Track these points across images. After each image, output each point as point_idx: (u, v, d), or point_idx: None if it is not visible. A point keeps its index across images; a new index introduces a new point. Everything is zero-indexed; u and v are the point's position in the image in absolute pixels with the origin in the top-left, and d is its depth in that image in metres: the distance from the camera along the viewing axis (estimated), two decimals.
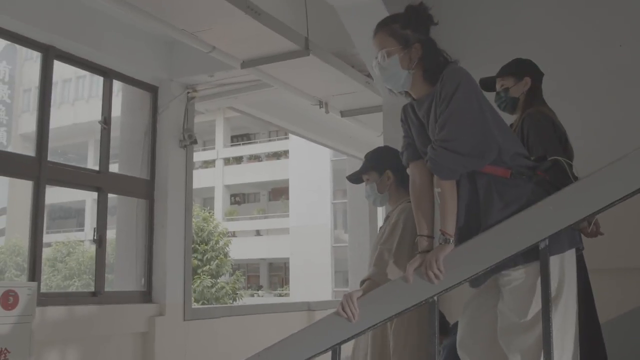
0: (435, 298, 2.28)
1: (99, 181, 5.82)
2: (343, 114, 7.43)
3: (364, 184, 3.26)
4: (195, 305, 8.06)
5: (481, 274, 2.27)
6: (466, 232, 2.37)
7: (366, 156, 3.24)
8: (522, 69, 3.32)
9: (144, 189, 6.22)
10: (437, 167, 2.36)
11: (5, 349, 4.10)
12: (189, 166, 6.51)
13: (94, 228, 5.70)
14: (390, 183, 3.12)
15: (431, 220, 2.48)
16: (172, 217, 6.19)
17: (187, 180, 6.45)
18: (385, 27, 2.53)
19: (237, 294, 22.87)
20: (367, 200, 3.27)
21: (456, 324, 2.72)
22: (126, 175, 6.26)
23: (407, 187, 2.90)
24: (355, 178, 3.25)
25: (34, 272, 5.09)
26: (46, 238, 5.71)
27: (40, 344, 4.65)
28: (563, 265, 2.33)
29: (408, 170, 2.65)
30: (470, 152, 2.33)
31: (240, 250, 28.24)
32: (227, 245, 23.27)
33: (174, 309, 6.04)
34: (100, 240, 5.68)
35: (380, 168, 3.13)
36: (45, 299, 4.98)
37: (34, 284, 4.54)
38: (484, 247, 2.26)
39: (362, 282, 2.80)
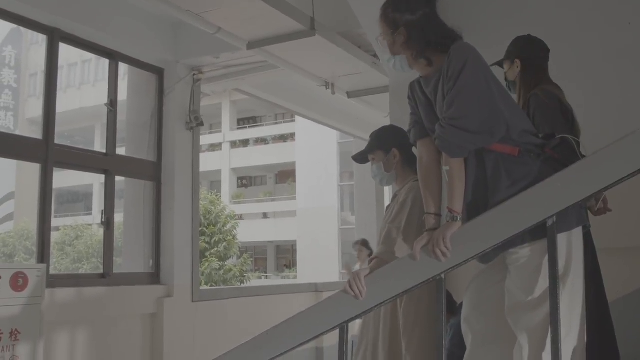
0: (443, 276, 2.28)
1: (106, 164, 5.83)
2: (349, 94, 7.41)
3: (369, 164, 3.24)
4: (203, 287, 8.09)
5: (490, 251, 2.27)
6: (474, 209, 2.36)
7: (371, 135, 3.22)
8: (512, 51, 3.29)
9: (151, 172, 6.24)
10: (446, 144, 2.35)
11: (16, 329, 4.15)
12: (196, 148, 6.51)
13: (102, 210, 5.72)
14: (396, 162, 3.10)
15: (438, 198, 2.48)
16: (179, 199, 6.21)
17: (194, 162, 6.46)
18: (382, 10, 2.53)
19: (244, 276, 22.98)
20: (374, 180, 3.26)
21: (462, 304, 2.72)
22: (133, 157, 6.27)
23: (414, 165, 2.90)
24: (360, 158, 3.23)
25: (43, 255, 5.13)
26: (54, 222, 5.74)
27: (50, 325, 4.69)
28: (570, 243, 2.32)
29: (414, 149, 2.64)
30: (478, 130, 2.32)
31: (248, 233, 28.34)
32: (235, 228, 23.34)
33: (182, 290, 6.08)
34: (108, 222, 5.71)
35: (386, 147, 3.11)
36: (55, 281, 5.02)
37: (43, 265, 4.57)
38: (491, 224, 2.26)
39: (370, 260, 2.80)
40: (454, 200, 2.33)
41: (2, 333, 4.06)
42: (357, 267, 7.38)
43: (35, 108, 25.96)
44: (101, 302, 5.39)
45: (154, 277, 6.08)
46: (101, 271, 5.71)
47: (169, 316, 5.86)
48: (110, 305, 5.46)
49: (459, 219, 2.31)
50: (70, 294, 5.16)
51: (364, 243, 7.64)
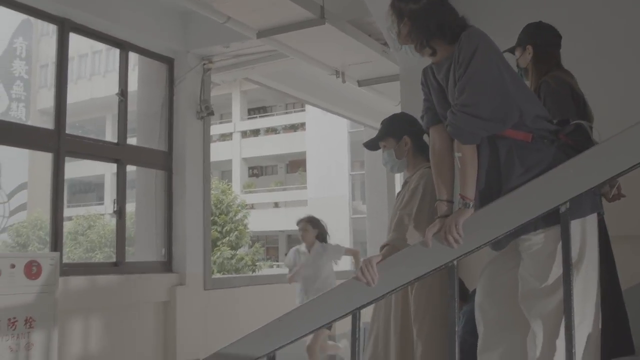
0: (455, 262, 2.27)
1: (117, 153, 5.86)
2: (360, 83, 7.40)
3: (380, 151, 3.24)
4: (215, 276, 8.12)
5: (502, 237, 2.26)
6: (486, 196, 2.35)
7: (383, 123, 3.21)
8: (523, 38, 3.27)
9: (162, 161, 6.26)
10: (458, 131, 2.34)
11: (31, 317, 4.18)
12: (206, 137, 6.53)
13: (114, 199, 5.76)
14: (407, 149, 3.10)
15: (451, 185, 2.47)
16: (190, 188, 6.23)
17: (205, 150, 6.47)
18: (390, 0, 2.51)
19: (256, 265, 23.08)
20: (385, 167, 3.25)
21: (475, 291, 2.72)
22: (144, 147, 6.29)
23: (425, 153, 2.89)
24: (372, 145, 3.23)
25: (56, 244, 5.17)
26: (67, 212, 5.79)
27: (64, 313, 4.73)
28: (585, 230, 2.31)
29: (426, 136, 2.62)
30: (490, 116, 2.30)
31: (259, 222, 28.41)
32: (246, 217, 23.41)
33: (194, 278, 6.11)
34: (120, 211, 5.74)
35: (398, 134, 3.11)
36: (68, 269, 5.06)
37: (57, 254, 4.60)
38: (504, 210, 2.24)
39: (382, 247, 2.80)
40: (466, 187, 2.32)
41: (17, 320, 4.10)
42: (302, 248, 6.28)
43: (46, 99, 26.08)
44: (114, 290, 5.43)
45: (166, 265, 6.11)
46: (114, 260, 5.75)
47: (182, 304, 5.90)
48: (123, 293, 5.50)
49: (471, 205, 2.30)
50: (84, 282, 5.20)
51: (310, 220, 6.33)
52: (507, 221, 2.23)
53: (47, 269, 4.34)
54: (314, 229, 6.23)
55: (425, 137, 3.01)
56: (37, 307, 4.25)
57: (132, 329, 5.59)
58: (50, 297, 4.35)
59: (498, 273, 2.49)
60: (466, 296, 3.44)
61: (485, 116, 2.30)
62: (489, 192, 2.36)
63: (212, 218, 7.76)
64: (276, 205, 33.56)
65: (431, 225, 2.34)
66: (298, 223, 6.32)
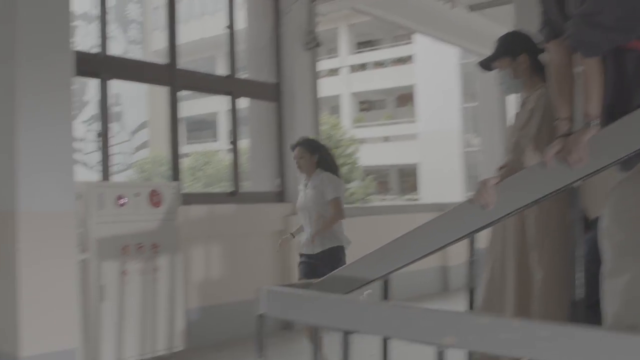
0: (577, 184, 2.15)
1: (229, 85, 5.99)
2: (472, 8, 7.09)
3: (493, 80, 3.09)
4: None
5: (631, 157, 2.10)
6: (612, 113, 2.19)
7: (498, 41, 3.05)
8: None
9: (272, 93, 6.34)
10: (579, 43, 2.18)
11: (155, 243, 4.44)
12: (314, 68, 6.52)
13: (229, 130, 5.94)
14: (524, 68, 2.93)
15: (572, 102, 2.32)
16: (300, 119, 6.30)
17: (313, 81, 6.47)
18: None
19: (368, 198, 23.26)
20: (500, 88, 3.10)
21: (596, 220, 2.58)
22: (254, 80, 6.39)
23: (542, 72, 2.74)
24: (486, 64, 3.08)
25: (176, 176, 5.41)
26: (185, 149, 6.04)
27: (185, 240, 4.98)
28: None
29: (542, 56, 2.46)
30: (615, 26, 2.12)
31: (370, 156, 28.46)
32: (357, 152, 23.50)
33: None
34: (234, 142, 5.91)
35: (514, 52, 2.94)
36: (188, 198, 5.30)
37: (177, 183, 4.82)
38: (632, 128, 2.08)
39: (500, 169, 2.70)
40: (591, 104, 2.17)
41: (142, 246, 4.36)
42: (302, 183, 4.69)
43: (160, 40, 26.96)
44: (231, 218, 5.65)
45: (280, 195, 6.27)
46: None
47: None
48: (240, 222, 5.71)
49: (595, 123, 2.15)
50: (203, 211, 5.43)
51: (305, 143, 4.62)
52: (636, 139, 2.07)
53: (169, 198, 4.55)
54: (312, 154, 4.56)
55: (541, 56, 2.85)
56: (161, 234, 4.50)
57: (250, 255, 5.81)
58: (172, 224, 4.58)
59: (626, 196, 2.33)
60: (587, 224, 3.28)
61: (608, 25, 2.11)
62: (615, 109, 2.20)
63: None
64: (386, 139, 33.38)
65: (552, 144, 2.21)
66: (292, 148, 4.68)
